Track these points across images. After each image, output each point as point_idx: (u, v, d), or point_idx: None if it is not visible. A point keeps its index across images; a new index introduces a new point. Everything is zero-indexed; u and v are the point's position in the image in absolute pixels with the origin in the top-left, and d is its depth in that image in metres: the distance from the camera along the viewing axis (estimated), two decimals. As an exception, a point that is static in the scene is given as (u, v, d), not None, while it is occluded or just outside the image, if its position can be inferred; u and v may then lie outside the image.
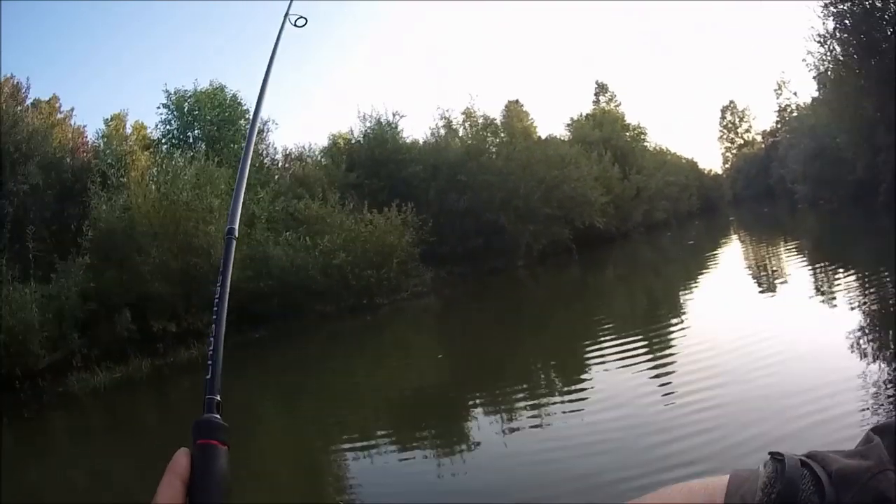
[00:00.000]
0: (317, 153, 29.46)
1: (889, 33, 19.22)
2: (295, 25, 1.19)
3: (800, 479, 0.39)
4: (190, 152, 22.38)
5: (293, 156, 28.99)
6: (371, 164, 26.52)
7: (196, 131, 26.64)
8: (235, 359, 9.21)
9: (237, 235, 0.77)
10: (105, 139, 24.92)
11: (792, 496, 0.38)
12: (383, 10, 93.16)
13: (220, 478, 0.57)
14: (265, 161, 27.00)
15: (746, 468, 0.43)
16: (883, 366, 5.92)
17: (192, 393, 10.11)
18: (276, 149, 29.02)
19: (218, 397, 0.63)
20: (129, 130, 26.56)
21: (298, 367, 13.08)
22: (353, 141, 29.26)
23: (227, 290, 0.69)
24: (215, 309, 0.68)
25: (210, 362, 0.64)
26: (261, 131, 26.72)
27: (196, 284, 16.60)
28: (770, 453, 0.44)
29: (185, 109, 26.87)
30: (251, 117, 1.03)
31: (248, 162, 0.87)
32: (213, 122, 26.51)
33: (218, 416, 0.61)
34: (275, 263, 18.94)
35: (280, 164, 28.47)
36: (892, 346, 6.70)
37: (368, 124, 28.96)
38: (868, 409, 4.75)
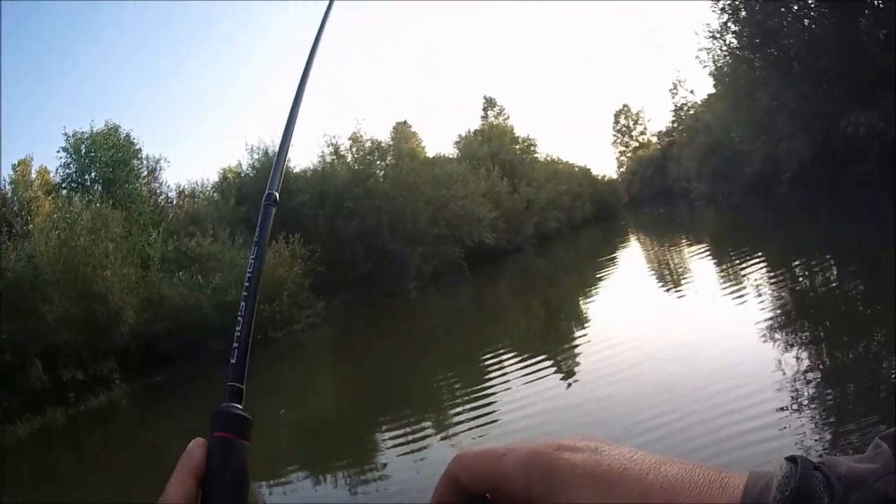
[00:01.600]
0: (208, 188, 28.73)
1: (789, 18, 18.36)
2: None
3: (812, 479, 0.41)
4: (87, 195, 22.37)
5: (186, 192, 28.47)
6: (259, 197, 23.35)
7: (93, 173, 26.52)
8: (137, 406, 11.86)
9: (277, 202, 0.73)
10: (12, 186, 24.45)
11: (804, 494, 0.40)
12: (266, 42, 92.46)
13: (238, 475, 0.51)
14: (159, 200, 27.11)
15: (764, 470, 0.43)
16: (798, 355, 6.10)
17: (107, 440, 10.79)
18: (169, 186, 28.82)
19: (242, 385, 0.56)
20: (34, 176, 26.23)
21: (199, 411, 9.79)
22: (242, 174, 29.20)
23: (262, 262, 0.64)
24: (246, 284, 0.62)
25: (236, 345, 0.58)
26: (153, 170, 28.01)
27: (98, 331, 16.82)
28: (786, 458, 0.44)
29: (83, 152, 26.36)
30: (295, 94, 0.84)
31: (292, 130, 0.82)
32: (108, 164, 26.12)
33: (240, 407, 0.54)
34: (170, 304, 19.00)
35: (174, 201, 27.99)
36: (806, 334, 6.92)
37: (256, 156, 29.16)
38: (786, 401, 4.85)
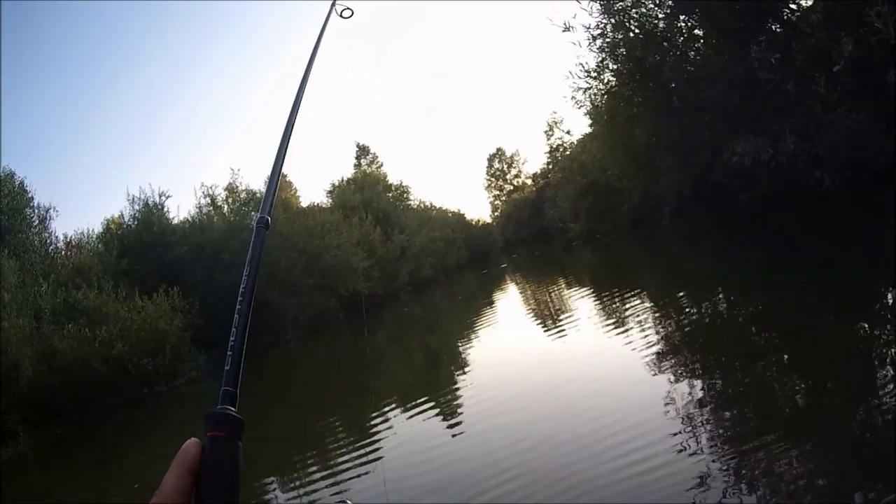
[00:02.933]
0: (93, 239, 27.78)
1: (672, 53, 18.39)
2: (341, 16, 1.15)
3: None
4: None
5: (73, 243, 27.44)
6: (140, 249, 25.84)
7: None
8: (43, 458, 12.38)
9: (269, 225, 0.76)
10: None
11: None
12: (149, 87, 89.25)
13: (231, 473, 0.54)
14: (49, 250, 26.14)
15: None
16: (688, 385, 6.02)
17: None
18: (57, 237, 28.00)
19: (237, 390, 0.61)
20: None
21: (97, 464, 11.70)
22: (125, 225, 28.46)
23: (255, 280, 0.68)
24: (240, 299, 0.68)
25: (230, 353, 0.64)
26: (43, 219, 27.49)
27: None
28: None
29: None
30: (292, 105, 0.89)
31: (285, 152, 0.82)
32: (3, 212, 25.28)
33: (233, 409, 0.59)
34: (62, 357, 18.62)
35: (62, 251, 26.88)
36: (696, 365, 6.75)
37: (137, 207, 28.51)
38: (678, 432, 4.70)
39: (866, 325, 6.59)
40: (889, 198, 9.95)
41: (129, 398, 18.85)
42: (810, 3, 12.74)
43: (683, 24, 17.01)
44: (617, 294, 13.29)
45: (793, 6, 13.02)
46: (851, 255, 9.41)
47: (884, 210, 10.14)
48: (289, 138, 0.83)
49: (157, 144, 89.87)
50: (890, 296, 7.15)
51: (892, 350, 5.58)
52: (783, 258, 11.50)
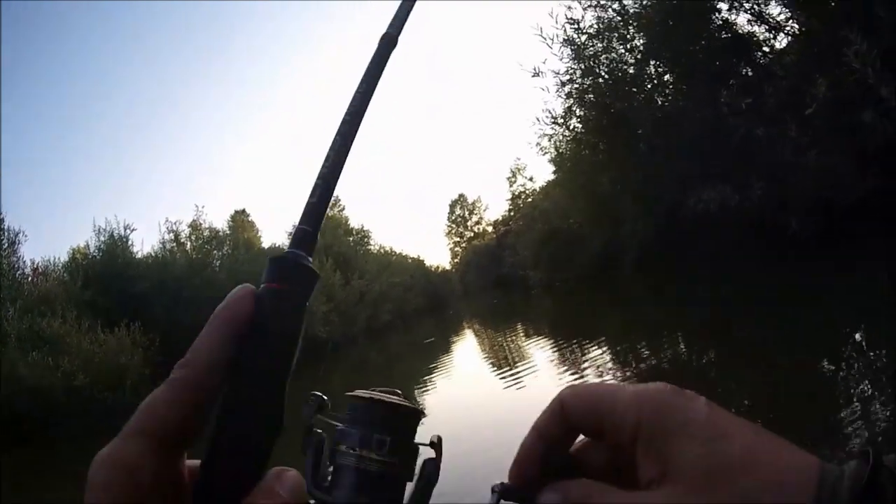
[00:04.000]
0: (59, 268, 27.16)
1: (640, 99, 18.52)
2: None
3: (880, 471, 0.40)
4: None
5: (40, 270, 26.77)
6: (104, 281, 25.60)
7: None
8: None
9: (397, 44, 0.63)
10: None
11: (878, 487, 0.39)
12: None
13: (289, 335, 0.43)
14: (17, 275, 25.43)
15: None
16: None
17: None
18: (25, 262, 26.95)
19: (315, 230, 0.47)
20: None
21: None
22: (90, 256, 28.17)
23: (370, 97, 0.56)
24: (342, 128, 0.53)
25: (320, 182, 0.48)
26: (12, 242, 26.44)
27: None
28: (853, 452, 0.45)
29: None
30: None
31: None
32: None
33: (305, 256, 0.45)
34: (25, 385, 18.49)
35: (29, 277, 26.22)
36: None
37: (102, 238, 28.13)
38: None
39: (828, 373, 6.43)
40: (860, 240, 9.97)
41: (92, 430, 17.64)
42: (784, 45, 13.08)
43: (653, 70, 17.22)
44: (576, 342, 13.11)
45: (766, 49, 13.32)
46: (814, 303, 9.37)
47: (853, 254, 10.22)
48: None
49: (127, 175, 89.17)
50: (848, 346, 7.08)
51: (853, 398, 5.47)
52: (745, 306, 11.39)
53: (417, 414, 0.49)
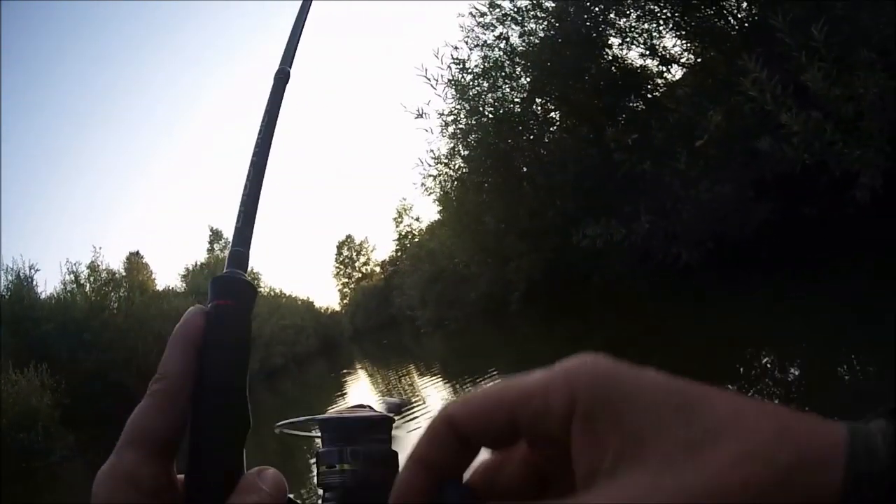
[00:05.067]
0: None
1: (525, 138, 18.17)
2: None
3: None
4: None
5: None
6: (12, 321, 25.01)
7: None
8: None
9: (289, 78, 0.67)
10: None
11: None
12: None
13: (239, 344, 0.48)
14: None
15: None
16: None
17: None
18: None
19: (248, 251, 0.53)
20: None
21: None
22: None
23: (273, 132, 0.59)
24: (254, 158, 0.57)
25: (242, 208, 0.54)
26: None
27: None
28: (871, 416, 0.36)
29: None
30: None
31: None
32: None
33: (243, 273, 0.52)
34: None
35: None
36: None
37: (10, 278, 27.62)
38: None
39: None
40: (754, 268, 9.79)
41: (7, 472, 18.01)
42: (678, 77, 13.01)
43: (539, 108, 17.00)
44: (468, 378, 12.77)
45: (659, 81, 13.23)
46: (703, 331, 9.23)
47: (747, 282, 10.09)
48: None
49: (29, 211, 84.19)
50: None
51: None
52: (636, 336, 11.11)
53: (386, 420, 0.52)
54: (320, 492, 0.49)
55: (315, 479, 0.51)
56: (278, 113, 0.59)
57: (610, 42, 13.33)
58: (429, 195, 26.62)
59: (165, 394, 0.43)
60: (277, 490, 0.42)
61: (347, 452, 0.48)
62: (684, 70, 12.93)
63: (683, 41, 12.52)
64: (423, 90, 30.48)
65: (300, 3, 0.68)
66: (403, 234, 54.70)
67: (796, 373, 6.33)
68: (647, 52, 13.05)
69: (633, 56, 13.93)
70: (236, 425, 0.44)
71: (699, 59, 12.30)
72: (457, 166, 22.92)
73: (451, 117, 19.80)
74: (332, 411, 0.52)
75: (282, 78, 0.63)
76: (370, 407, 0.52)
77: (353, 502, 0.47)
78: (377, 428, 0.50)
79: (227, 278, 0.49)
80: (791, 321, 7.48)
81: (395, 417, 0.52)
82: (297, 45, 0.66)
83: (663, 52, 12.94)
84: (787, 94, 7.13)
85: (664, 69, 13.16)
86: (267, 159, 0.56)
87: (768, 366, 6.94)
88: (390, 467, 0.49)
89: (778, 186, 8.47)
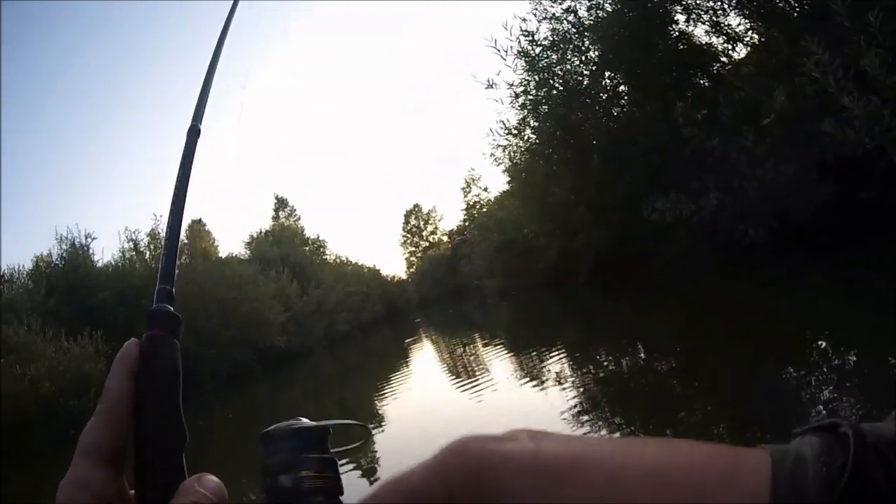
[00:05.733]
0: (24, 276, 28.06)
1: (595, 110, 18.38)
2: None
3: (865, 448, 0.34)
4: None
5: (5, 277, 27.61)
6: (66, 290, 25.89)
7: None
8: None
9: (200, 133, 0.72)
10: None
11: (862, 467, 0.32)
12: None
13: (171, 370, 0.54)
14: None
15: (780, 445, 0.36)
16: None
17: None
18: None
19: (171, 287, 0.61)
20: None
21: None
22: (52, 264, 28.43)
23: (187, 184, 0.67)
24: (173, 199, 0.66)
25: (165, 251, 0.63)
26: None
27: None
28: (805, 429, 0.37)
29: None
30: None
31: (220, 55, 0.81)
32: None
33: (170, 307, 0.59)
34: None
35: None
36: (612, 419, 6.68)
37: (65, 247, 28.51)
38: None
39: (785, 379, 6.31)
40: (816, 250, 9.94)
41: (57, 439, 18.35)
42: (742, 55, 13.04)
43: (608, 81, 17.13)
44: (533, 350, 13.01)
45: (724, 59, 13.29)
46: (765, 311, 9.31)
47: (808, 264, 10.20)
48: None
49: (89, 182, 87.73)
50: (801, 351, 7.02)
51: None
52: (699, 314, 11.46)
53: (322, 429, 0.58)
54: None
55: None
56: (190, 168, 0.67)
57: (676, 18, 13.40)
58: (498, 165, 27.35)
59: (108, 412, 0.49)
60: (216, 494, 0.47)
61: (289, 462, 0.53)
62: (748, 49, 12.92)
63: (747, 20, 12.53)
64: (494, 61, 30.69)
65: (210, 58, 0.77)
66: (471, 203, 55.15)
67: (853, 358, 6.36)
68: (712, 30, 13.08)
69: (699, 33, 14.00)
70: (174, 438, 0.51)
71: (762, 39, 12.27)
72: (526, 137, 23.30)
73: (521, 88, 20.08)
74: (273, 426, 0.59)
75: (192, 133, 0.69)
76: (307, 420, 0.58)
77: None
78: (315, 437, 0.56)
79: (158, 311, 0.56)
80: (848, 304, 7.59)
81: (331, 429, 0.59)
82: (205, 102, 0.72)
83: (728, 30, 12.97)
84: (848, 78, 7.30)
85: (729, 47, 13.18)
86: (183, 208, 0.64)
87: (825, 348, 7.00)
88: (330, 473, 0.54)
89: (838, 169, 8.61)
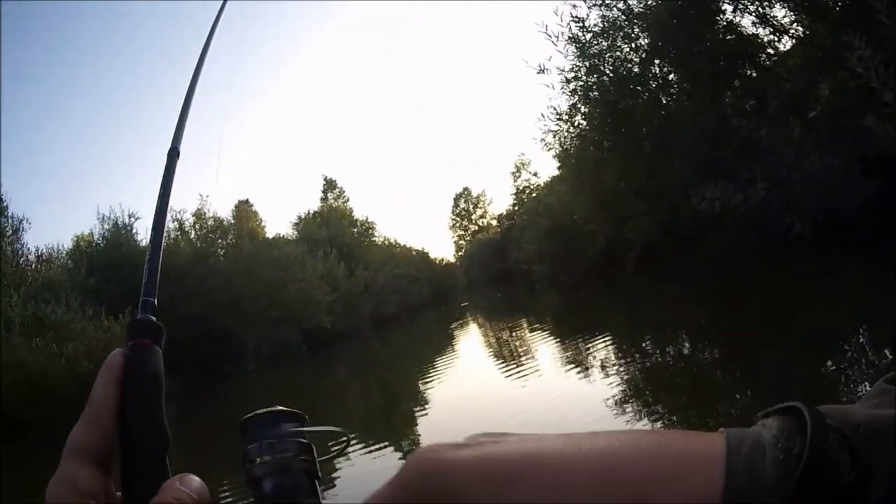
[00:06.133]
0: (63, 255, 28.29)
1: (644, 97, 18.59)
2: None
3: (825, 431, 0.33)
4: None
5: (44, 257, 27.94)
6: (108, 269, 25.98)
7: None
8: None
9: (179, 154, 0.76)
10: None
11: (821, 452, 0.32)
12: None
13: (154, 377, 0.57)
14: (21, 262, 26.34)
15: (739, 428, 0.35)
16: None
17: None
18: (29, 249, 28.02)
19: (154, 299, 0.64)
20: None
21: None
22: (94, 244, 28.87)
23: (167, 203, 0.71)
24: (155, 217, 0.70)
25: (147, 266, 0.66)
26: (16, 230, 27.29)
27: None
28: (772, 410, 0.37)
29: None
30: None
31: (198, 79, 0.87)
32: None
33: (153, 318, 0.62)
34: (29, 370, 18.64)
35: (33, 265, 27.38)
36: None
37: (107, 226, 28.88)
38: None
39: (828, 372, 6.47)
40: (859, 244, 9.95)
41: None
42: (788, 47, 12.99)
43: (657, 69, 17.15)
44: (579, 337, 13.06)
45: (770, 51, 13.24)
46: (810, 305, 9.35)
47: (851, 258, 10.18)
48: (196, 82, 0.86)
49: (130, 163, 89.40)
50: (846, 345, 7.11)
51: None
52: (745, 305, 11.41)
53: (296, 414, 0.60)
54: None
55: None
56: (169, 190, 0.70)
57: (724, 8, 13.39)
58: (548, 150, 27.13)
59: (93, 415, 0.53)
60: (196, 493, 0.49)
61: (265, 446, 0.57)
62: (793, 41, 12.84)
63: (791, 12, 12.45)
64: (545, 47, 30.52)
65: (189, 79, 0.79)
66: (521, 188, 54.88)
67: (886, 351, 6.33)
68: (759, 21, 13.03)
69: (746, 24, 13.94)
70: (158, 440, 0.54)
71: (806, 32, 12.19)
72: (577, 123, 23.23)
73: (572, 74, 20.17)
74: (251, 413, 0.61)
75: (171, 156, 0.72)
76: (282, 407, 0.60)
77: (275, 488, 0.55)
78: (289, 422, 0.59)
79: (142, 321, 0.60)
80: (888, 301, 7.65)
81: (306, 416, 0.60)
82: (184, 124, 0.75)
83: (773, 22, 12.90)
84: (889, 74, 7.36)
85: (775, 38, 13.11)
86: (164, 226, 0.68)
87: (865, 344, 7.03)
88: (306, 455, 0.58)
89: (880, 165, 8.64)
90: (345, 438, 0.67)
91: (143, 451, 0.54)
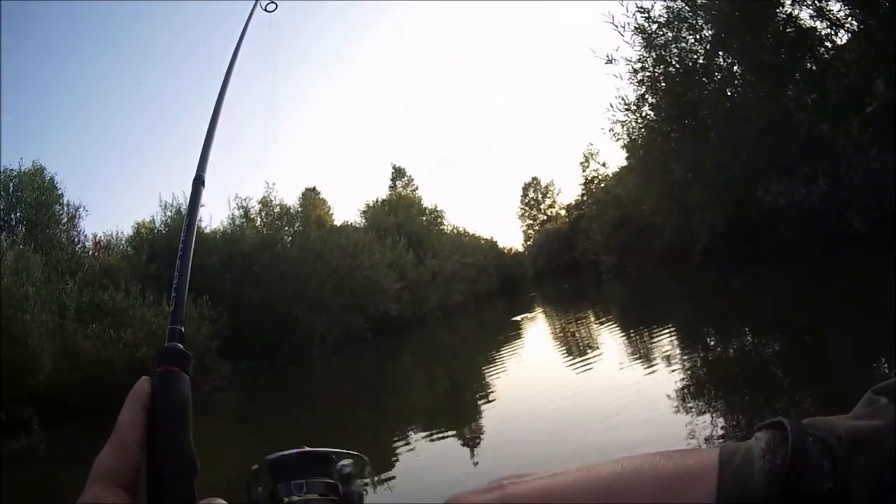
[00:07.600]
0: (123, 242, 28.36)
1: (710, 89, 18.58)
2: (266, 10, 1.15)
3: (806, 443, 0.36)
4: (12, 235, 22.42)
5: (102, 244, 27.95)
6: (170, 255, 24.40)
7: (18, 213, 26.05)
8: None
9: (205, 183, 0.79)
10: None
11: (801, 461, 0.35)
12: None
13: (181, 403, 0.58)
14: (77, 249, 26.36)
15: (734, 442, 0.38)
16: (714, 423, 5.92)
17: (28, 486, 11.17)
18: (86, 236, 28.18)
19: (181, 327, 0.64)
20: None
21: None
22: (155, 231, 28.87)
23: (194, 231, 0.73)
24: (181, 245, 0.71)
25: (174, 295, 0.66)
26: (72, 217, 27.75)
27: (14, 374, 16.39)
28: (763, 424, 0.39)
29: (10, 190, 25.82)
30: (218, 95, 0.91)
31: (220, 113, 0.88)
32: (32, 206, 25.79)
33: (181, 345, 0.62)
34: (84, 356, 18.88)
35: (90, 251, 27.22)
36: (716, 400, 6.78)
37: (169, 213, 28.79)
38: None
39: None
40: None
41: None
42: (844, 41, 12.86)
43: (722, 61, 17.13)
44: (645, 329, 13.10)
45: (828, 44, 13.13)
46: (870, 300, 9.15)
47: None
48: (220, 106, 0.90)
49: (190, 152, 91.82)
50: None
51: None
52: (807, 300, 11.39)
53: (324, 455, 0.64)
54: None
55: None
56: (196, 217, 0.74)
57: (783, 0, 13.32)
58: (616, 141, 27.45)
59: (119, 442, 0.53)
60: None
61: (293, 487, 0.58)
62: (849, 35, 12.68)
63: (846, 6, 12.31)
64: (612, 37, 30.40)
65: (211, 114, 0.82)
66: (589, 178, 54.22)
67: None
68: (816, 14, 12.91)
69: (804, 17, 13.80)
70: (185, 467, 0.55)
71: (861, 26, 12.03)
72: (644, 113, 23.25)
73: (639, 65, 20.31)
74: (277, 454, 0.62)
75: (196, 184, 0.76)
76: (309, 447, 0.62)
77: None
78: (318, 463, 0.61)
79: (169, 349, 0.61)
80: None
81: (333, 455, 0.63)
82: (208, 152, 0.79)
83: (831, 15, 12.75)
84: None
85: (832, 32, 12.97)
86: (191, 253, 0.71)
87: None
88: (333, 495, 0.60)
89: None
90: (367, 467, 0.68)
91: (170, 478, 0.55)
